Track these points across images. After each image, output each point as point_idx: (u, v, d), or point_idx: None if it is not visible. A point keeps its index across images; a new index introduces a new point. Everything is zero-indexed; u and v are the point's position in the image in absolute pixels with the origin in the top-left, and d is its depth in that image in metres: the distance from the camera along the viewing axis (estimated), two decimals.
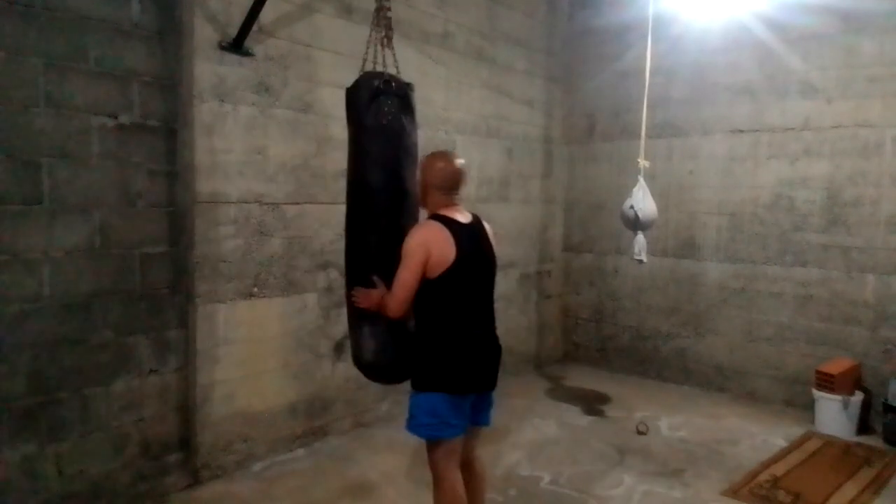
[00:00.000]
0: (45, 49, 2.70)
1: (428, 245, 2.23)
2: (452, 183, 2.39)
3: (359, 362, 2.51)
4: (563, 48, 5.63)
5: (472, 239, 2.35)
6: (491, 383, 2.43)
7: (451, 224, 2.30)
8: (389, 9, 2.52)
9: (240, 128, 3.30)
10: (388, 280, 2.29)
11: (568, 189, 5.83)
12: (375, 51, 2.51)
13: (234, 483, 3.29)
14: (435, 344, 2.31)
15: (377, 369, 2.49)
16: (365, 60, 2.49)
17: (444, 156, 2.45)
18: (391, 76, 2.42)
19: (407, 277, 2.24)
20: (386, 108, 2.36)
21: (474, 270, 2.35)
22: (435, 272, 2.23)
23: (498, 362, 2.44)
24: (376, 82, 2.37)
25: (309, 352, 3.72)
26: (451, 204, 2.39)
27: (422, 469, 3.54)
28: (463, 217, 2.39)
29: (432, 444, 2.35)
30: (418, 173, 2.44)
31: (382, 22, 2.50)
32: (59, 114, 2.76)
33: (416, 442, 3.93)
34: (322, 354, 3.80)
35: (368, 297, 2.36)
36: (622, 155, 5.32)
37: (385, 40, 2.50)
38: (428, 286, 2.25)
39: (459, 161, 2.43)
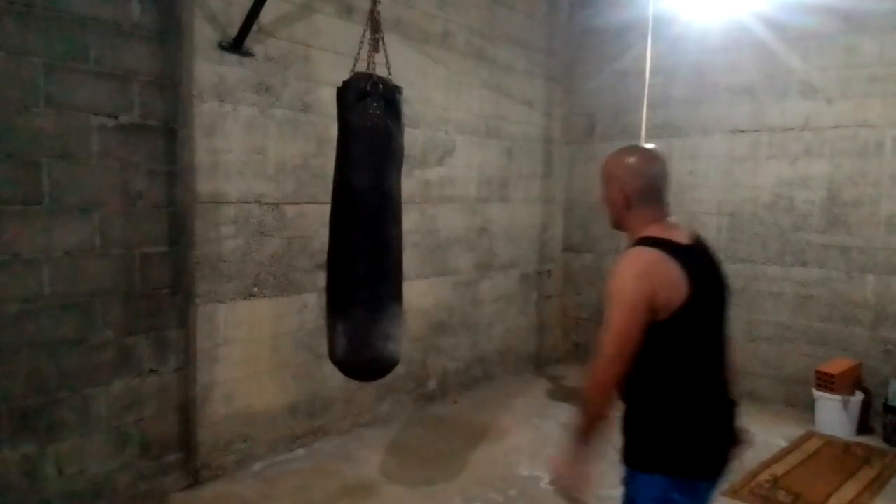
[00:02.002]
0: (46, 49, 2.70)
1: (650, 279, 1.59)
2: (657, 185, 1.74)
3: (333, 359, 2.53)
4: (563, 48, 5.62)
5: (703, 266, 1.70)
6: (726, 461, 1.73)
7: (674, 249, 1.64)
8: (379, 12, 2.52)
9: (240, 128, 3.30)
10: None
11: (568, 189, 5.82)
12: (369, 52, 2.51)
13: (234, 483, 3.29)
14: (662, 407, 1.66)
15: (348, 367, 2.50)
16: (356, 61, 2.49)
17: (637, 150, 1.84)
18: (379, 78, 2.41)
19: (623, 329, 1.60)
20: (371, 110, 2.35)
21: (709, 309, 1.70)
22: (659, 315, 1.60)
23: (735, 428, 1.77)
24: (363, 83, 2.37)
25: (309, 352, 3.72)
26: (662, 217, 1.74)
27: (420, 469, 3.55)
28: (683, 236, 1.71)
29: None
30: (603, 183, 1.81)
31: (372, 24, 2.50)
32: (59, 114, 2.75)
33: (415, 442, 3.97)
34: (322, 354, 3.77)
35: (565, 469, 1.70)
36: None
37: (375, 43, 2.50)
38: (649, 332, 1.62)
39: (658, 152, 1.81)
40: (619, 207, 1.77)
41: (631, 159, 1.76)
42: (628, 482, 1.72)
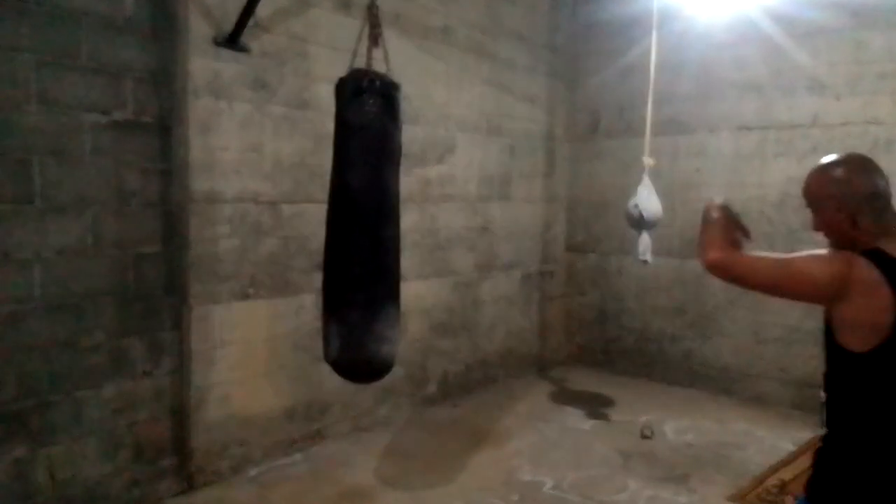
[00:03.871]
0: (38, 45, 2.65)
1: (849, 279, 1.44)
2: (880, 194, 1.52)
3: (326, 359, 2.52)
4: (566, 43, 5.55)
5: None
6: None
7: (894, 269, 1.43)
8: (378, 6, 2.47)
9: (235, 125, 3.24)
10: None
11: (571, 188, 5.75)
12: (369, 48, 2.47)
13: (230, 488, 3.23)
14: (861, 451, 1.51)
15: (340, 368, 2.49)
16: (354, 57, 2.45)
17: (845, 158, 1.59)
18: (376, 74, 2.37)
19: (786, 265, 1.59)
20: (367, 107, 2.32)
21: None
22: (862, 343, 1.44)
23: None
24: (359, 80, 2.34)
25: (306, 354, 3.66)
26: (888, 234, 1.50)
27: (419, 474, 3.49)
28: None
29: None
30: (813, 209, 1.63)
31: (371, 19, 2.45)
32: (51, 111, 2.71)
33: (415, 446, 3.92)
34: (319, 356, 3.71)
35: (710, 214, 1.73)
36: (626, 153, 5.23)
37: (373, 38, 2.45)
38: (851, 363, 1.48)
39: (869, 158, 1.59)
40: (844, 229, 1.53)
41: (841, 170, 1.54)
42: None
